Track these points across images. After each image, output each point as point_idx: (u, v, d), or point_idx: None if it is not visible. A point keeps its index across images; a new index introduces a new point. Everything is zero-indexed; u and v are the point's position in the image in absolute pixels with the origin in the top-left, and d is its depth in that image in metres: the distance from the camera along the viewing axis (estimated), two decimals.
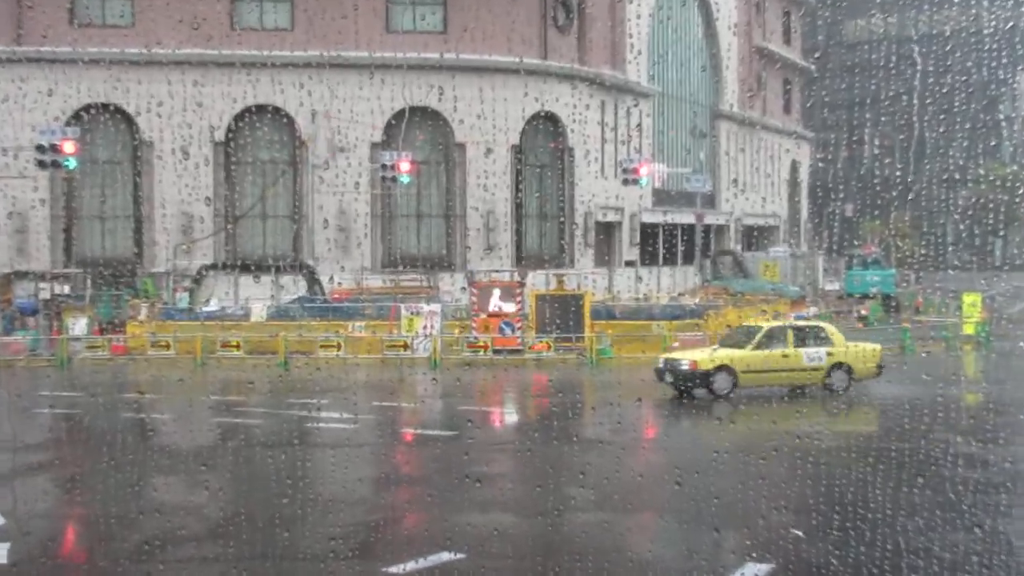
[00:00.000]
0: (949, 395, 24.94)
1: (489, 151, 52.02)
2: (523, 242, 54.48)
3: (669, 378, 24.86)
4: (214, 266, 47.27)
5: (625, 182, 49.76)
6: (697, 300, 45.32)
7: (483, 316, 35.43)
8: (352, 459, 17.96)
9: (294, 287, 44.57)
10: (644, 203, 61.02)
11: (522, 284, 36.19)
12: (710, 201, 68.33)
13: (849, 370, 25.01)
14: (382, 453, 19.00)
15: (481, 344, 34.50)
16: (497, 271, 41.71)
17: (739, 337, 25.89)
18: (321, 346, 34.46)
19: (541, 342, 34.60)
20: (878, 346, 26.52)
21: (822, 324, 27.30)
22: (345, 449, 18.87)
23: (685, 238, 62.82)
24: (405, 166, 45.40)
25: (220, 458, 18.19)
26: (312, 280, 44.27)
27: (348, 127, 49.89)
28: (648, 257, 61.72)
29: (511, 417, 24.26)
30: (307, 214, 49.88)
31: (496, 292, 35.69)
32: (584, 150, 55.80)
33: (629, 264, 59.04)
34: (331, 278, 45.39)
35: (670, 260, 63.41)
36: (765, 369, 24.50)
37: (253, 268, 45.22)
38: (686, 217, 62.29)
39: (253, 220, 51.82)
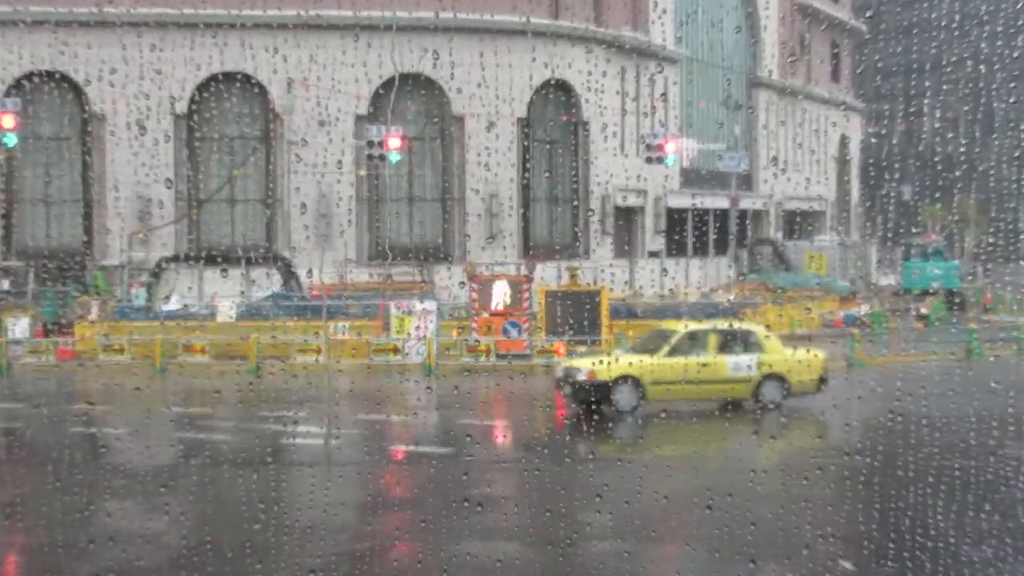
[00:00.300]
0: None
1: (491, 125, 52.02)
2: (531, 230, 54.50)
3: (567, 390, 24.37)
4: (175, 258, 47.33)
5: (648, 160, 49.75)
6: (732, 297, 45.37)
7: (485, 315, 35.43)
8: (334, 480, 17.97)
9: (267, 282, 44.61)
10: (670, 185, 61.00)
11: (529, 278, 36.21)
12: (746, 182, 68.31)
13: (784, 382, 24.61)
14: (369, 473, 19.02)
15: (483, 348, 34.51)
16: (501, 263, 41.68)
17: (653, 342, 25.44)
18: (299, 350, 34.49)
19: (551, 345, 34.60)
20: (822, 354, 26.01)
21: (752, 327, 26.77)
22: (326, 468, 18.88)
23: (717, 225, 62.78)
24: (395, 142, 45.42)
25: (183, 479, 18.21)
26: (288, 274, 44.31)
27: (329, 98, 49.90)
28: (675, 247, 61.71)
29: (517, 432, 24.28)
30: (282, 198, 49.94)
31: (500, 288, 35.70)
32: (601, 124, 55.79)
33: (653, 255, 59.03)
34: (310, 272, 45.45)
35: (700, 250, 63.40)
36: (679, 380, 24.01)
37: (220, 260, 45.27)
38: (719, 201, 62.24)
39: (220, 205, 51.91)
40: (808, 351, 26.17)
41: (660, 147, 48.78)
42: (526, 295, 35.59)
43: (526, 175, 53.66)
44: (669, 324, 27.43)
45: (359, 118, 50.63)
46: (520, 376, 32.36)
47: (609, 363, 24.26)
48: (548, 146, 55.32)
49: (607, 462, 19.23)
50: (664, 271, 56.00)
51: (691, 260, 60.32)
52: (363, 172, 50.56)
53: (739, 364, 24.49)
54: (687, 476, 18.00)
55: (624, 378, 24.00)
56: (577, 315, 35.18)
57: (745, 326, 27.35)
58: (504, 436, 23.65)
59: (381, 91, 51.06)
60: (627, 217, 59.11)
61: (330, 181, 50.45)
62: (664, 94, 60.07)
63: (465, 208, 52.60)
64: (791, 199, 75.14)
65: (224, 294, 41.99)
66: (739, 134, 67.58)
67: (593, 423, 23.54)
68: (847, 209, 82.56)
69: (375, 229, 52.37)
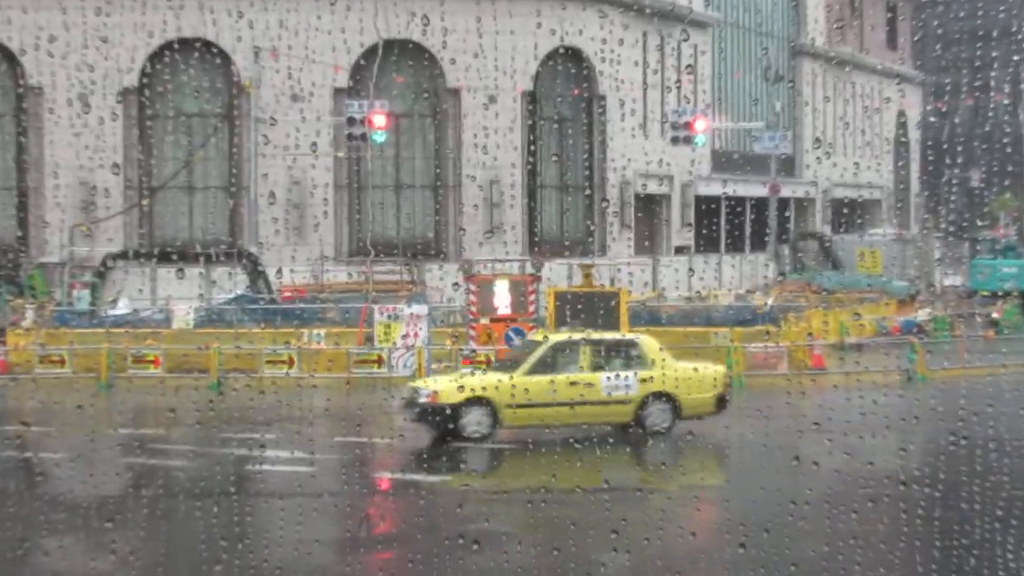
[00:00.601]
0: None
1: (492, 100, 52.08)
2: (537, 222, 54.56)
3: (412, 415, 23.87)
4: (124, 254, 47.36)
5: (674, 141, 49.74)
6: (772, 300, 45.32)
7: (484, 321, 35.38)
8: (308, 513, 17.96)
9: (231, 283, 44.64)
10: (699, 170, 61.05)
11: (536, 278, 36.18)
12: (788, 167, 68.35)
13: (674, 402, 23.99)
14: (349, 505, 19.01)
15: (481, 359, 34.42)
16: (503, 261, 41.66)
17: (516, 356, 25.18)
18: (267, 362, 34.46)
19: None
20: (721, 368, 25.63)
21: (635, 337, 26.07)
22: (299, 500, 18.87)
23: (754, 216, 62.77)
24: (379, 120, 45.43)
25: (132, 512, 18.21)
26: (255, 274, 44.32)
27: (303, 69, 49.99)
28: (705, 242, 61.73)
29: (520, 456, 24.27)
30: (248, 185, 49.95)
31: (501, 289, 35.65)
32: (618, 99, 55.83)
33: (680, 251, 59.09)
34: (280, 271, 45.44)
35: (735, 246, 63.44)
36: (542, 403, 23.33)
37: (176, 257, 45.31)
38: (756, 189, 62.27)
39: (176, 193, 51.96)
40: (706, 364, 25.90)
41: (688, 126, 48.77)
42: (532, 298, 35.55)
43: (531, 159, 53.69)
44: (539, 335, 26.65)
45: (337, 92, 50.70)
46: None
47: (459, 383, 23.62)
48: (557, 125, 55.35)
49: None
50: (691, 270, 55.97)
51: (724, 257, 60.38)
52: (342, 155, 50.61)
53: (617, 382, 23.84)
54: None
55: (474, 401, 23.31)
56: (591, 321, 35.07)
57: (628, 336, 26.87)
58: (506, 462, 23.64)
59: (363, 61, 51.12)
60: (649, 207, 59.14)
61: (304, 165, 50.50)
62: (692, 64, 60.07)
63: (461, 197, 52.63)
64: (840, 186, 75.20)
65: (180, 297, 42.00)
66: (780, 111, 67.62)
67: (430, 456, 22.96)
68: (905, 198, 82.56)
69: (356, 221, 52.41)
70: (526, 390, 23.34)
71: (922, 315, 45.05)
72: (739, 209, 63.98)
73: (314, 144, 49.90)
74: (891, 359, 33.71)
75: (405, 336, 35.16)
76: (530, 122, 53.72)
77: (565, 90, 55.38)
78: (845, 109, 76.15)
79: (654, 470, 22.65)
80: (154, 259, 46.46)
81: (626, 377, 23.91)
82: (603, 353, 24.64)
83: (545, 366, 23.94)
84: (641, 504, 18.53)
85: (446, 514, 18.20)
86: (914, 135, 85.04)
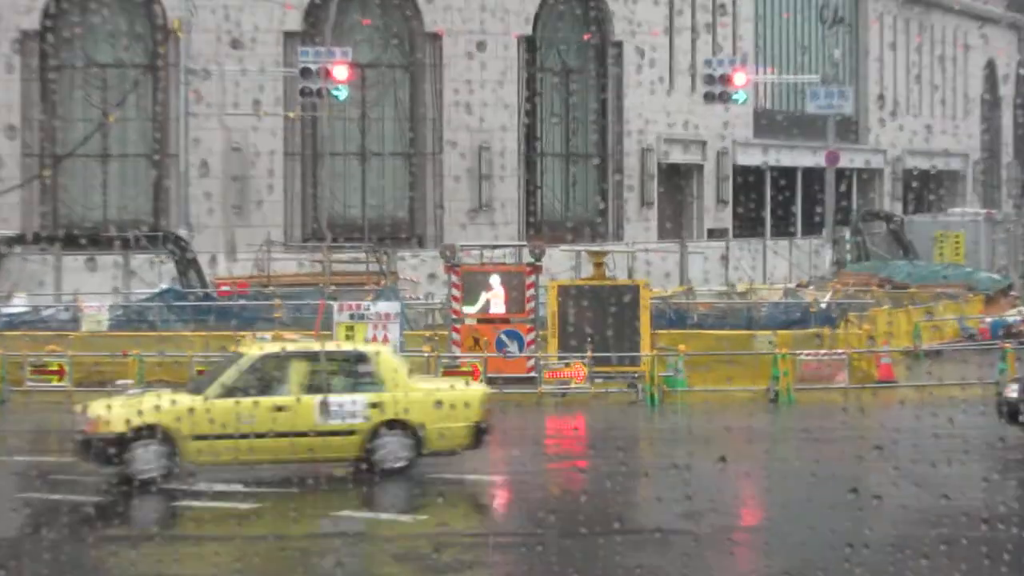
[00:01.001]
0: None
1: (479, 48, 52.06)
2: (537, 199, 54.53)
3: (78, 447, 22.86)
4: (20, 238, 47.31)
5: (707, 98, 49.73)
6: (828, 296, 45.34)
7: (470, 322, 35.45)
8: (250, 557, 18.04)
9: (154, 274, 44.59)
10: (739, 134, 61.08)
11: (536, 268, 36.22)
12: (849, 131, 68.33)
13: (414, 434, 23.25)
14: (300, 549, 19.05)
15: (467, 369, 34.50)
16: (494, 246, 41.64)
17: (214, 372, 24.63)
18: (200, 371, 34.44)
19: (567, 366, 34.65)
20: (480, 390, 25.29)
21: (366, 349, 25.78)
22: (239, 542, 18.94)
23: (807, 191, 62.75)
24: (340, 72, 45.40)
25: (30, 557, 18.24)
26: (184, 263, 44.24)
27: (244, 8, 49.97)
28: (745, 224, 61.77)
29: (509, 491, 24.34)
30: (177, 153, 49.82)
31: (492, 282, 35.71)
32: (637, 46, 55.86)
33: (714, 235, 59.06)
34: (214, 259, 45.45)
35: (782, 228, 63.46)
36: (236, 434, 22.48)
37: (86, 242, 45.24)
38: (808, 157, 62.31)
39: (87, 163, 51.88)
40: (463, 384, 25.79)
41: (724, 79, 48.74)
42: (530, 293, 35.60)
43: (529, 120, 53.63)
44: (251, 348, 25.47)
45: (288, 37, 50.66)
46: (518, 410, 32.31)
47: (127, 408, 22.63)
48: (561, 78, 55.34)
49: None
50: (724, 259, 55.95)
51: (768, 243, 60.37)
52: (293, 115, 50.53)
53: (338, 408, 23.05)
54: None
55: (144, 430, 22.26)
56: (603, 321, 35.20)
57: (357, 348, 26.40)
58: (492, 498, 23.66)
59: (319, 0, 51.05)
60: (675, 180, 59.16)
61: (244, 128, 50.43)
62: (729, 3, 60.11)
63: (441, 167, 52.63)
64: (914, 153, 75.17)
65: (92, 291, 41.94)
66: (840, 61, 67.60)
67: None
68: (995, 168, 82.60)
69: (311, 197, 52.36)
70: (212, 418, 22.36)
71: (1015, 314, 45.09)
72: (788, 183, 63.95)
73: (257, 102, 49.86)
74: (976, 369, 33.74)
75: (372, 340, 35.21)
76: (527, 74, 53.67)
77: (571, 35, 55.39)
78: (921, 59, 76.16)
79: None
80: (58, 244, 46.39)
81: (351, 401, 23.19)
82: (323, 370, 23.77)
83: (244, 386, 23.11)
84: None
85: None
86: (1007, 91, 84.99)
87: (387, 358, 24.62)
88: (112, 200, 51.55)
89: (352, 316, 35.71)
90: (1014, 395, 25.99)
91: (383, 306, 36.39)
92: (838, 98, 59.85)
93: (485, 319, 35.50)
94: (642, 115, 56.11)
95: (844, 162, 64.85)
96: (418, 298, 43.40)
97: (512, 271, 36.56)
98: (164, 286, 42.74)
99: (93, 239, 45.96)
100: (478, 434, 23.71)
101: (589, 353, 34.51)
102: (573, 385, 34.30)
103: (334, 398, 23.09)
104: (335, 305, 36.52)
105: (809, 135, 62.41)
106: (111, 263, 45.07)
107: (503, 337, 35.32)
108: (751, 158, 62.18)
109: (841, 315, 39.06)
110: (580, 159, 56.02)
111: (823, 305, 41.25)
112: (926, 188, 76.54)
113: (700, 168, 60.18)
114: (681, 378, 34.39)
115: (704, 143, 59.40)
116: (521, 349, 35.28)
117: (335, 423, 22.96)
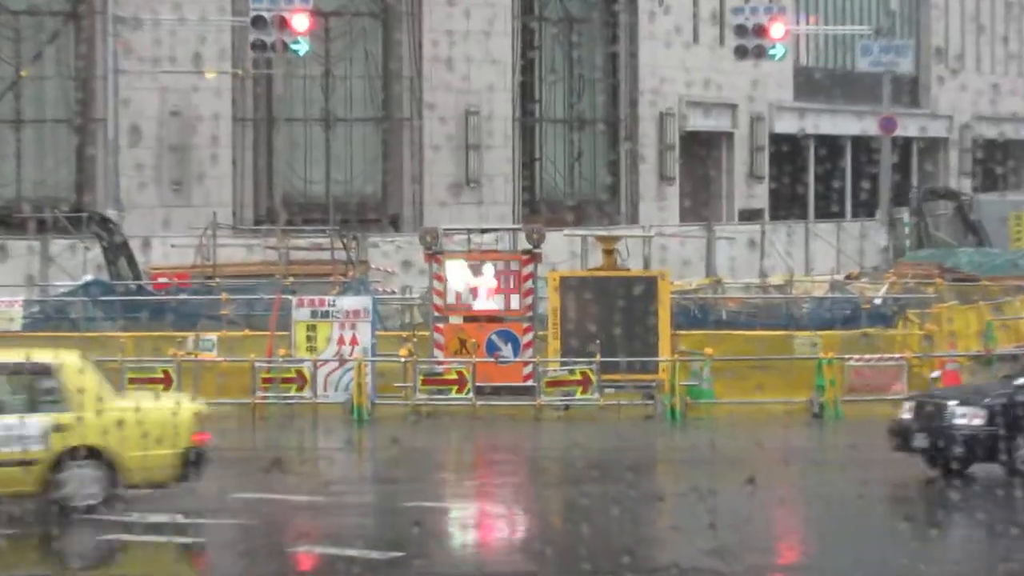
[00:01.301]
0: None
1: None
2: (535, 174, 54.59)
3: None
4: None
5: (739, 53, 49.76)
6: (884, 289, 45.39)
7: (455, 320, 35.45)
8: None
9: (77, 262, 44.57)
10: (776, 95, 61.20)
11: (533, 256, 36.23)
12: (908, 92, 68.36)
13: (109, 464, 23.07)
14: None
15: (452, 377, 34.54)
16: (483, 230, 41.65)
17: None
18: (131, 379, 34.47)
19: (571, 373, 34.64)
20: (192, 409, 24.82)
21: (51, 360, 24.89)
22: None
23: (855, 165, 62.81)
24: (300, 22, 45.38)
25: None
26: (113, 249, 44.22)
27: None
28: (783, 203, 61.84)
29: (500, 522, 24.35)
30: (105, 118, 49.81)
31: (482, 273, 35.72)
32: None
33: (748, 217, 59.13)
34: (148, 243, 45.43)
35: (828, 208, 63.50)
36: None
37: None
38: (859, 124, 62.35)
39: None
40: (172, 403, 25.49)
41: (759, 31, 48.74)
42: (527, 286, 35.61)
43: (525, 79, 53.63)
44: None
45: None
46: (511, 427, 32.42)
47: None
48: (562, 29, 55.33)
49: None
50: (757, 245, 55.90)
51: (811, 226, 60.39)
52: (243, 73, 50.54)
53: (8, 431, 22.88)
54: None
55: None
56: (614, 320, 35.21)
57: (38, 359, 25.57)
58: (479, 528, 23.69)
59: None
60: (700, 152, 59.25)
61: (185, 89, 50.45)
62: None
63: (421, 135, 52.66)
64: (985, 120, 75.27)
65: (3, 284, 41.95)
66: (895, 10, 67.62)
67: None
68: None
69: (264, 171, 52.40)
70: None
71: None
72: (835, 154, 64.03)
73: (199, 56, 49.84)
74: None
75: (339, 343, 35.21)
76: (522, 24, 53.67)
77: None
78: (993, 8, 76.19)
79: None
80: None
81: (26, 423, 22.93)
82: None
83: None
84: None
85: None
86: None
87: (74, 370, 24.03)
88: (26, 174, 51.57)
89: (314, 314, 35.83)
90: (908, 415, 25.52)
91: (351, 302, 36.48)
92: (895, 54, 59.68)
93: (473, 317, 35.53)
94: (659, 75, 56.05)
95: (904, 130, 64.83)
96: (393, 292, 43.50)
97: (505, 260, 36.52)
98: (89, 277, 42.77)
99: (3, 220, 45.97)
100: (187, 464, 23.39)
101: (597, 358, 34.57)
102: (578, 397, 34.32)
103: (3, 420, 22.83)
104: (293, 300, 36.58)
105: (855, 97, 62.42)
106: (25, 249, 44.99)
107: (495, 339, 35.39)
108: (792, 125, 62.27)
109: (898, 313, 39.08)
110: (585, 125, 56.06)
111: (877, 301, 41.29)
112: (992, 159, 76.52)
113: (729, 136, 60.23)
114: (707, 388, 34.45)
115: (734, 107, 59.41)
116: (516, 353, 35.35)
117: (5, 451, 22.64)
